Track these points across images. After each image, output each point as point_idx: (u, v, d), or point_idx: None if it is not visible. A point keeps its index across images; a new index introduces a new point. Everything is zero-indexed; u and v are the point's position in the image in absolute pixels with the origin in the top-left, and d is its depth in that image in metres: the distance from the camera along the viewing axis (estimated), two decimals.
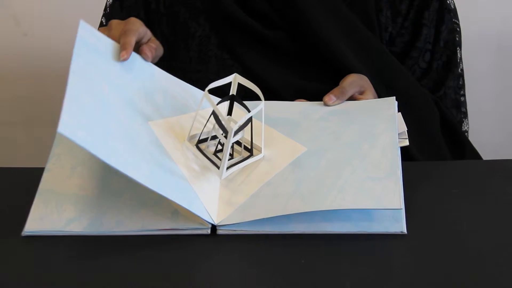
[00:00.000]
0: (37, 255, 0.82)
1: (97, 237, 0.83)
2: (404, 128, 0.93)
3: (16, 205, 0.90)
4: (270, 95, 1.08)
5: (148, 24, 1.19)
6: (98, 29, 0.98)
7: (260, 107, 0.88)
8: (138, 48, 0.97)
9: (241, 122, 0.87)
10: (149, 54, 0.96)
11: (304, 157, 0.89)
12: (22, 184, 0.95)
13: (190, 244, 0.82)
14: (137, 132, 0.86)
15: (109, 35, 0.96)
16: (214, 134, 0.91)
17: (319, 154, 0.89)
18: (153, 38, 1.02)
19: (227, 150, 0.86)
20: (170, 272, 0.77)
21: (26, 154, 1.86)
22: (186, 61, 1.16)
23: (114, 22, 0.99)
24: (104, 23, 1.22)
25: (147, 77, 0.95)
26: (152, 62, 0.98)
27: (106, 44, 0.93)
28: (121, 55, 0.92)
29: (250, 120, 0.89)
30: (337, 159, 0.88)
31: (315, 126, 0.94)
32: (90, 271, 0.78)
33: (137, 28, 0.97)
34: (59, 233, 0.84)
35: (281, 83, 1.13)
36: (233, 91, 0.93)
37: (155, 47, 0.98)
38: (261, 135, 0.91)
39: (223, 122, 0.87)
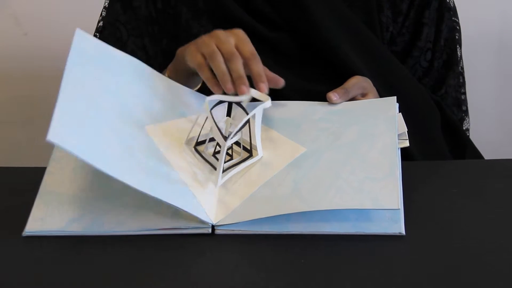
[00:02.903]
0: (37, 255, 0.82)
1: (97, 237, 0.84)
2: (404, 128, 0.93)
3: (16, 205, 0.90)
4: (273, 96, 1.08)
5: (155, 24, 1.19)
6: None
7: (261, 109, 0.88)
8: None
9: (235, 131, 0.87)
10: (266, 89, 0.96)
11: (303, 157, 0.89)
12: (22, 184, 0.96)
13: (189, 243, 0.82)
14: (133, 138, 0.87)
15: (224, 43, 0.95)
16: (212, 136, 0.91)
17: (318, 155, 0.89)
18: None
19: (222, 160, 0.86)
20: (169, 272, 0.77)
21: (26, 154, 1.86)
22: None
23: (220, 34, 0.96)
24: (102, 25, 1.21)
25: (146, 82, 0.95)
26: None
27: (103, 51, 0.93)
28: (261, 88, 0.93)
29: (247, 122, 0.89)
30: (336, 160, 0.88)
31: (315, 127, 0.94)
32: (90, 271, 0.78)
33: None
34: (59, 233, 0.84)
35: (284, 85, 1.13)
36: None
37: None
38: (260, 135, 0.91)
39: (221, 131, 0.87)
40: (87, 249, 0.82)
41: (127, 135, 0.86)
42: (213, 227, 0.83)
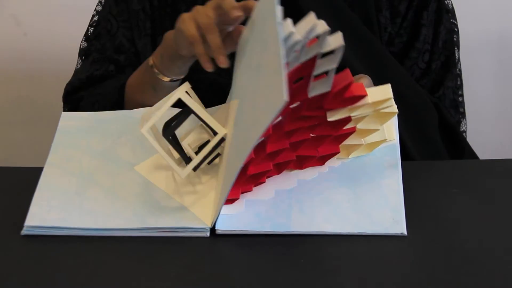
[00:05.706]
0: (37, 255, 0.82)
1: (97, 237, 0.84)
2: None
3: (16, 205, 0.90)
4: None
5: (148, 19, 1.19)
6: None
7: (182, 91, 0.87)
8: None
9: (174, 123, 0.87)
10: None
11: (239, 110, 0.85)
12: (22, 184, 0.96)
13: (189, 244, 0.82)
14: (121, 183, 0.89)
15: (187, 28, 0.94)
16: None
17: (243, 94, 0.86)
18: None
19: (166, 155, 0.87)
20: (170, 272, 0.77)
21: (26, 154, 1.86)
22: None
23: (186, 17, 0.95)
24: (97, 20, 1.21)
25: (133, 126, 0.96)
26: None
27: (90, 119, 0.98)
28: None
29: (186, 116, 0.88)
30: (247, 82, 0.84)
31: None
32: (90, 271, 0.78)
33: None
34: (59, 232, 0.84)
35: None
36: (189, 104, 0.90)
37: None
38: (208, 115, 0.88)
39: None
40: (87, 249, 0.82)
41: (115, 183, 0.89)
42: (213, 228, 0.83)
